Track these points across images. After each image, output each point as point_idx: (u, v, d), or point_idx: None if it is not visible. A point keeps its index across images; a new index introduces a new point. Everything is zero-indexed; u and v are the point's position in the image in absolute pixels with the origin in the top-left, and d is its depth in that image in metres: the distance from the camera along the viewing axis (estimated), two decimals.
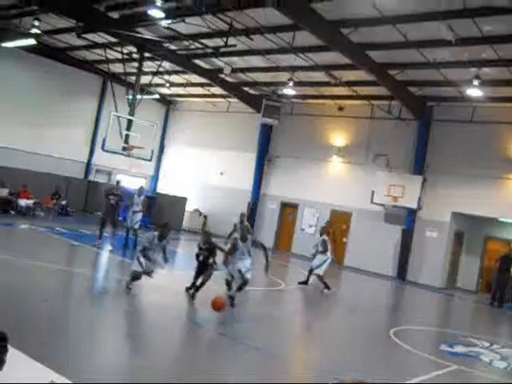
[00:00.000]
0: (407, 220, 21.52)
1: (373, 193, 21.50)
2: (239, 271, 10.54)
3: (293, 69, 20.61)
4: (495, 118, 19.72)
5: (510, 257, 18.90)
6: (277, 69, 21.33)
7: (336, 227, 22.98)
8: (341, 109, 24.14)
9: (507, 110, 19.54)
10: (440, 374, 8.18)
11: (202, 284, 10.46)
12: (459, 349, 10.05)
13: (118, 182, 17.96)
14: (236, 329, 9.54)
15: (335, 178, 24.17)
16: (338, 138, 24.27)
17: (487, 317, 17.25)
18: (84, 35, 21.36)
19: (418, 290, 19.83)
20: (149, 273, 10.15)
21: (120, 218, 18.48)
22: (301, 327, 11.17)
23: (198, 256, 10.82)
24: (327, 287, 14.46)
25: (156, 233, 10.39)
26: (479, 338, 11.34)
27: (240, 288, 10.66)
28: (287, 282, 16.08)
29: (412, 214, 21.29)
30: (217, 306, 9.23)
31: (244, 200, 25.97)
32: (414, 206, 20.87)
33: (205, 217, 27.31)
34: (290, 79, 21.16)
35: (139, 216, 16.68)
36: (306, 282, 15.02)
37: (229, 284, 10.92)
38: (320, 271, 14.54)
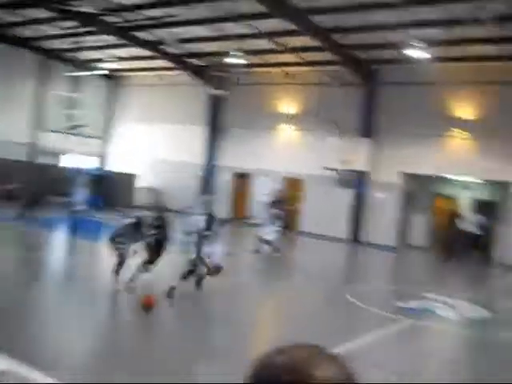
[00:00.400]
0: (359, 183, 21.91)
1: (324, 158, 21.74)
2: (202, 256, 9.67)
3: (238, 37, 20.35)
4: (438, 78, 20.13)
5: (457, 212, 19.64)
6: (222, 38, 21.02)
7: (290, 194, 23.15)
8: (288, 75, 24.07)
9: (449, 70, 19.98)
10: (396, 329, 8.46)
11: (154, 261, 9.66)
12: (414, 304, 10.40)
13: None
14: (196, 301, 9.55)
15: (287, 146, 24.27)
16: (288, 105, 24.30)
17: (439, 271, 17.89)
18: (18, 10, 20.42)
19: (373, 251, 20.33)
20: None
21: (67, 199, 18.24)
22: (259, 295, 11.29)
23: (157, 240, 9.69)
24: (276, 250, 14.88)
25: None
26: (432, 292, 11.75)
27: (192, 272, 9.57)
28: (242, 250, 16.17)
29: (363, 176, 21.70)
30: (146, 303, 8.18)
31: (197, 173, 25.83)
32: (365, 168, 21.31)
33: (157, 192, 27.00)
34: (236, 48, 20.91)
35: (82, 196, 16.51)
36: (258, 250, 15.31)
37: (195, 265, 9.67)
38: (269, 236, 14.98)
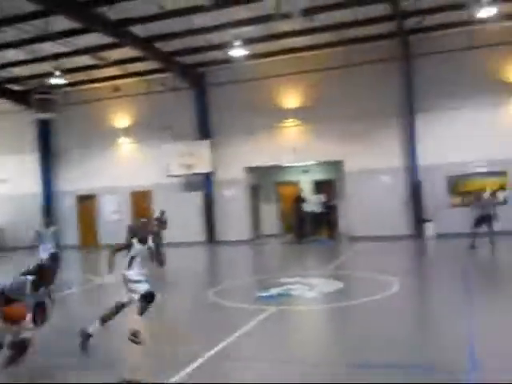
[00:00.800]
0: (206, 184, 22.27)
1: (167, 166, 21.75)
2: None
3: (57, 56, 19.55)
4: (263, 73, 21.18)
5: (300, 196, 20.94)
6: (39, 59, 20.07)
7: (139, 207, 22.84)
8: (117, 89, 23.61)
9: (271, 64, 21.04)
10: (260, 318, 8.75)
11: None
12: (273, 291, 10.79)
13: None
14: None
15: (129, 160, 23.85)
16: (123, 119, 23.89)
17: (293, 254, 18.82)
18: None
19: (229, 248, 20.77)
20: None
21: None
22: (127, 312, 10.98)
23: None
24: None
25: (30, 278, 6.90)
26: (289, 276, 12.33)
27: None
28: (101, 276, 15.61)
29: (208, 177, 22.10)
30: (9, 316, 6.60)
31: (37, 203, 24.44)
32: (208, 169, 21.70)
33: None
34: (57, 68, 20.04)
35: None
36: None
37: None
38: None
